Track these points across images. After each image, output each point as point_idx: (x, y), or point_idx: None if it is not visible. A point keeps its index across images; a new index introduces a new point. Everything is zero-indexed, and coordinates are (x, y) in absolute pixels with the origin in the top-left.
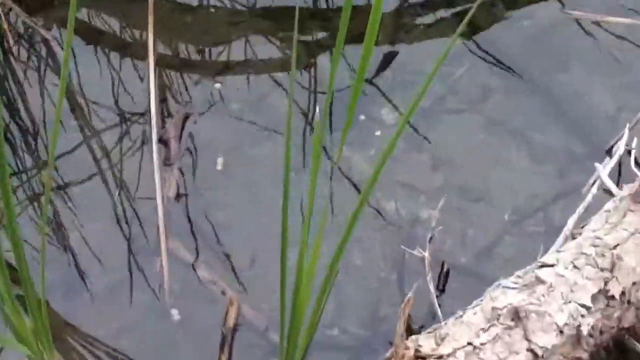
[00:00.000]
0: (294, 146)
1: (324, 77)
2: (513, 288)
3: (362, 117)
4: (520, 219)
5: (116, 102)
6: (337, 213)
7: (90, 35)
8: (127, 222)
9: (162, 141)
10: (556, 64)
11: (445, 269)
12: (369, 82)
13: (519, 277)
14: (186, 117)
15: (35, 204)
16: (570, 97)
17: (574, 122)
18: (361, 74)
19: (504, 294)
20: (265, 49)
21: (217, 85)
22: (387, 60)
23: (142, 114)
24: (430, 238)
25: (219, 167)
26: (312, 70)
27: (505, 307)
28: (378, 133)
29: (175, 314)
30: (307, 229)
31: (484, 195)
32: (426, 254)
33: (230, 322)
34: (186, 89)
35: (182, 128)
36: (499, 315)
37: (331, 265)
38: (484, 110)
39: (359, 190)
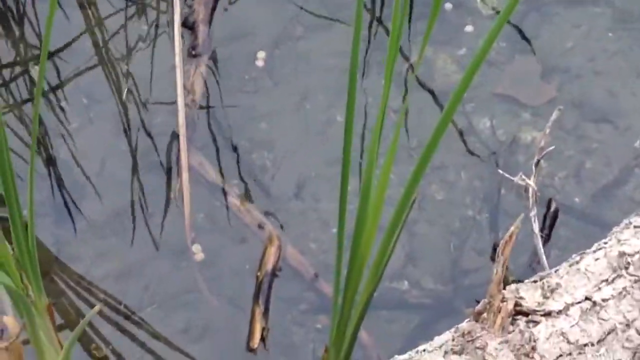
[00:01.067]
0: (361, 43)
1: None
2: None
3: (449, 4)
4: None
5: None
6: (414, 131)
7: None
8: (137, 130)
9: (187, 25)
10: None
11: (553, 209)
12: None
13: None
14: None
15: (25, 105)
16: None
17: None
18: None
19: (636, 237)
20: None
21: None
22: None
23: None
24: (537, 162)
25: (260, 62)
26: None
27: (637, 252)
28: (470, 28)
29: (197, 251)
30: (375, 147)
31: (610, 115)
32: (531, 182)
33: (269, 265)
34: None
35: (214, 8)
36: (629, 263)
37: (404, 198)
38: (613, 1)
39: (441, 104)
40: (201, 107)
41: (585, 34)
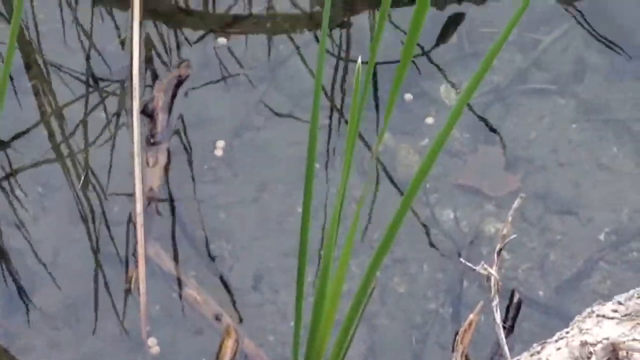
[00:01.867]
0: (320, 130)
1: (362, 41)
2: (611, 318)
3: (409, 95)
4: (621, 240)
5: (87, 59)
6: (376, 222)
7: None
8: (93, 220)
9: (147, 112)
10: None
11: (516, 300)
12: (425, 53)
13: (619, 303)
14: (179, 82)
15: None
16: None
17: None
18: (412, 39)
19: (599, 326)
20: None
21: (221, 41)
22: (451, 24)
23: (119, 81)
24: (499, 251)
25: (219, 152)
26: (347, 31)
27: (599, 342)
28: (431, 120)
29: (152, 344)
30: (333, 239)
31: (573, 207)
32: (493, 272)
33: (226, 358)
34: (179, 46)
35: (174, 96)
36: (591, 353)
37: (361, 289)
38: (578, 92)
39: (402, 192)
40: (159, 198)
41: (549, 125)
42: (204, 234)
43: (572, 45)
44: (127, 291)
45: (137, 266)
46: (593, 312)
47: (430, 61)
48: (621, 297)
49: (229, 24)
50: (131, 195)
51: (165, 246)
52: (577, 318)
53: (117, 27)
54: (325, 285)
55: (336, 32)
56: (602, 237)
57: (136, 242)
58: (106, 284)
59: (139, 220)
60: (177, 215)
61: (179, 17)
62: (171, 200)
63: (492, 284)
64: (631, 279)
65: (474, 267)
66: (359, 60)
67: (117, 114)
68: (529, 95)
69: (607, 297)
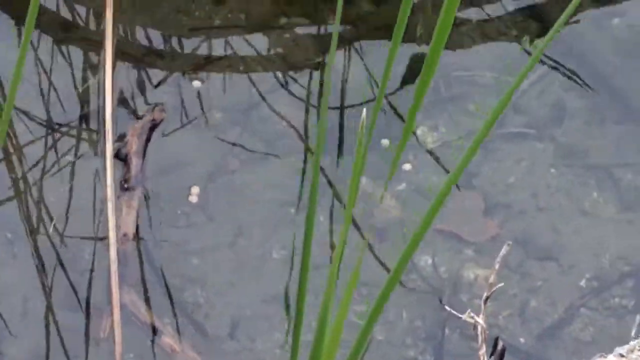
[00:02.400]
0: (294, 174)
1: (337, 83)
2: None
3: (385, 141)
4: (603, 287)
5: (58, 102)
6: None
7: (14, 4)
8: (63, 267)
9: (120, 157)
10: None
11: (500, 347)
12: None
13: (621, 356)
14: (153, 126)
15: None
16: None
17: None
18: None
19: None
20: (261, 39)
21: (196, 84)
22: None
23: (86, 125)
24: (486, 299)
25: (194, 198)
26: (320, 72)
27: None
28: (408, 167)
29: None
30: (332, 283)
31: (554, 253)
32: (480, 320)
33: None
34: (151, 89)
35: (148, 139)
36: None
37: (359, 341)
38: (557, 136)
39: (382, 241)
40: (133, 243)
41: (528, 170)
42: (179, 280)
43: (549, 89)
44: (101, 340)
45: (111, 314)
46: None
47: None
48: (622, 349)
49: (201, 66)
50: (103, 239)
51: (140, 293)
52: None
53: (86, 69)
54: (324, 332)
55: (306, 74)
56: (583, 283)
57: (110, 290)
58: (78, 332)
59: (113, 267)
60: (151, 262)
61: (150, 60)
62: (145, 247)
63: (479, 332)
64: (613, 326)
65: (460, 315)
66: (364, 113)
67: (89, 157)
68: (507, 139)
69: (587, 346)
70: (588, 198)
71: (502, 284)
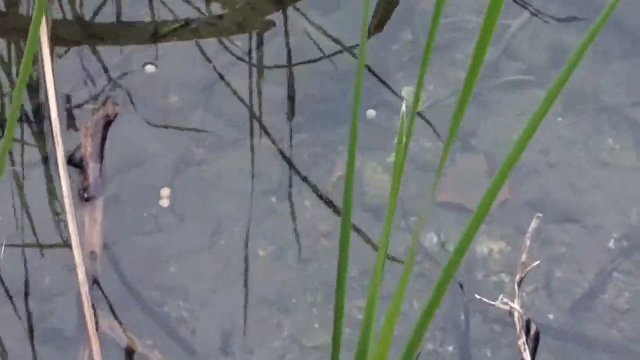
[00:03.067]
0: (271, 157)
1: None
2: None
3: (371, 112)
4: (634, 246)
5: None
6: (353, 257)
7: None
8: (26, 295)
9: (74, 162)
10: None
11: (533, 331)
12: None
13: None
14: (107, 123)
15: None
16: None
17: None
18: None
19: None
20: (213, 5)
21: (149, 69)
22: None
23: (30, 128)
24: (520, 281)
25: (165, 202)
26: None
27: None
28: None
29: None
30: (378, 279)
31: (575, 214)
32: (516, 306)
33: None
34: (100, 79)
35: (104, 139)
36: None
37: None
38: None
39: (379, 222)
40: (101, 261)
41: (532, 122)
42: (157, 293)
43: (543, 28)
44: None
45: (88, 344)
46: None
47: (387, 65)
48: None
49: (148, 44)
50: (67, 260)
51: (115, 313)
52: None
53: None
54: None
55: (269, 40)
56: (611, 244)
57: (83, 314)
58: None
59: (83, 289)
60: (123, 277)
61: (92, 43)
62: (115, 261)
63: (516, 320)
64: None
65: (492, 303)
66: (404, 106)
67: (37, 167)
68: (504, 89)
69: (625, 314)
70: (604, 146)
71: (538, 262)
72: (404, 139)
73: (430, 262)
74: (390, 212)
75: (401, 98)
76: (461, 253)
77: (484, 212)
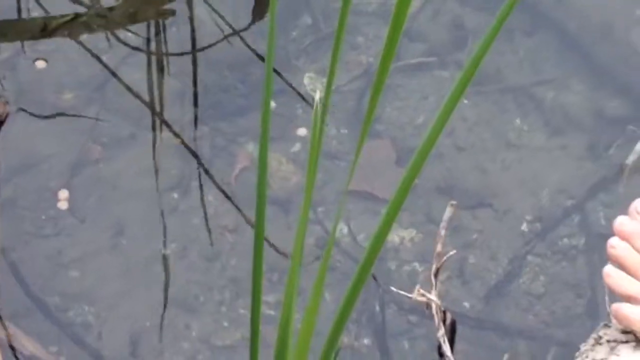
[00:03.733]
0: (171, 153)
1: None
2: (625, 342)
3: (273, 103)
4: (547, 228)
5: None
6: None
7: None
8: None
9: None
10: None
11: (449, 321)
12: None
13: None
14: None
15: None
16: (595, 31)
17: (604, 69)
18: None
19: (615, 352)
20: None
21: (39, 64)
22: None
23: None
24: (436, 271)
25: (63, 204)
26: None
27: None
28: (303, 132)
29: None
30: (295, 273)
31: (485, 197)
32: (434, 297)
33: None
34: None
35: None
36: None
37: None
38: (462, 61)
39: (287, 215)
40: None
41: (437, 105)
42: (59, 299)
43: (444, 7)
44: None
45: None
46: (600, 337)
47: (287, 53)
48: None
49: (36, 39)
50: None
51: (15, 322)
52: (583, 347)
53: None
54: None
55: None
56: (524, 227)
57: None
58: None
59: None
60: (23, 284)
61: None
62: (11, 267)
63: (434, 312)
64: (566, 271)
65: (409, 295)
66: (317, 95)
67: None
68: (407, 72)
69: (541, 298)
70: (511, 127)
71: (454, 251)
72: (317, 134)
73: (341, 253)
74: (306, 206)
75: (302, 87)
76: (377, 249)
77: (398, 204)
